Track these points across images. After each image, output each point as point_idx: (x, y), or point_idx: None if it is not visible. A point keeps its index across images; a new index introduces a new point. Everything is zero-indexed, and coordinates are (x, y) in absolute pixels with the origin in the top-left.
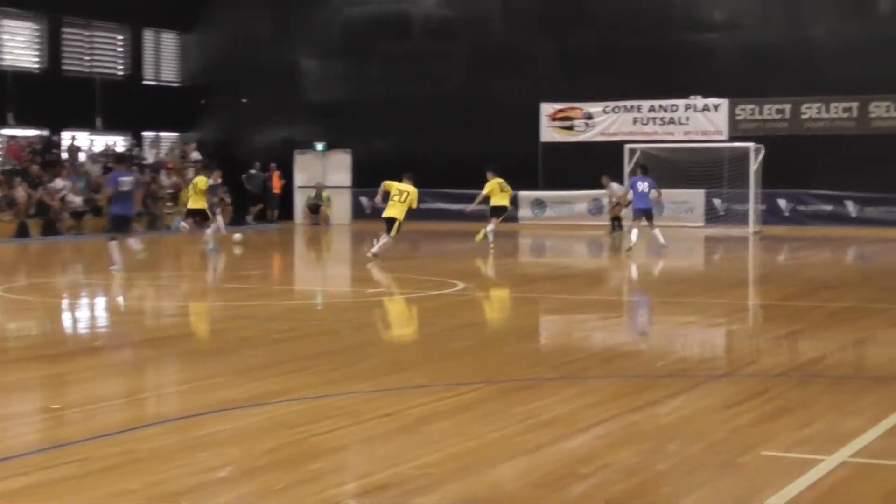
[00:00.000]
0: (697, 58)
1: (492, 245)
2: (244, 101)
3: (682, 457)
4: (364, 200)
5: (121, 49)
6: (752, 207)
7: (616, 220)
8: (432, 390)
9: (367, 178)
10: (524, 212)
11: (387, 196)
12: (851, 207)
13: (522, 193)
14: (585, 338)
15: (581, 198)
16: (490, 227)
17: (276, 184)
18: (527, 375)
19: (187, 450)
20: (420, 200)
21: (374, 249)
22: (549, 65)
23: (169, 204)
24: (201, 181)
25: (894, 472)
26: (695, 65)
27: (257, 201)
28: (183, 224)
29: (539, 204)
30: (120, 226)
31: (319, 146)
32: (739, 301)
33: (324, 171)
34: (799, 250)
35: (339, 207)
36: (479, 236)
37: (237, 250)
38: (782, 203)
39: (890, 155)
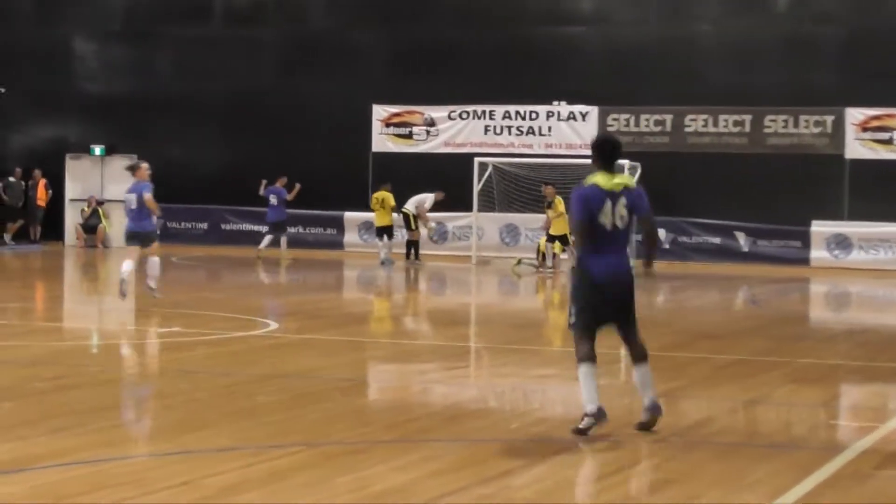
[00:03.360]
0: (562, 56)
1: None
2: (1, 90)
3: None
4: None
5: None
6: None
7: (413, 247)
8: (239, 454)
9: (156, 191)
10: (351, 237)
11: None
12: (742, 240)
13: (349, 215)
14: (425, 392)
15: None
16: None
17: (42, 195)
18: (354, 437)
19: None
20: (223, 220)
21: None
22: (383, 59)
23: None
24: (389, 197)
25: None
26: (559, 65)
27: (17, 216)
28: (385, 255)
29: (370, 227)
30: None
31: (97, 150)
32: (609, 351)
33: (102, 181)
34: (680, 291)
35: (121, 226)
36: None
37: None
38: (662, 233)
39: (787, 178)
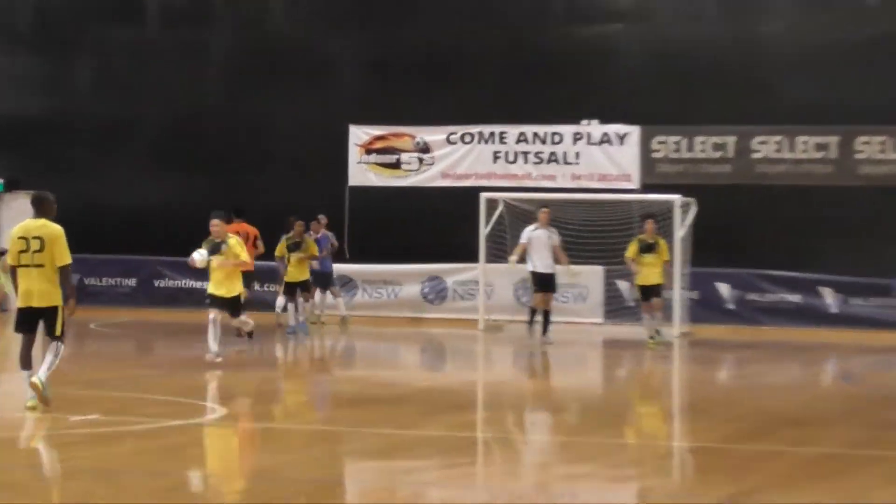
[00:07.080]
0: (594, 63)
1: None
2: None
3: None
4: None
5: None
6: (678, 295)
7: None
8: None
9: (72, 237)
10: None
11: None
12: (830, 298)
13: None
14: (417, 496)
15: (413, 275)
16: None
17: None
18: None
19: None
20: (157, 275)
21: None
22: (363, 69)
23: None
24: (313, 245)
25: None
26: (589, 74)
27: None
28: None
29: (346, 283)
30: None
31: None
32: (657, 442)
33: (0, 224)
34: (749, 363)
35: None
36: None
37: None
38: (724, 289)
39: (886, 217)
